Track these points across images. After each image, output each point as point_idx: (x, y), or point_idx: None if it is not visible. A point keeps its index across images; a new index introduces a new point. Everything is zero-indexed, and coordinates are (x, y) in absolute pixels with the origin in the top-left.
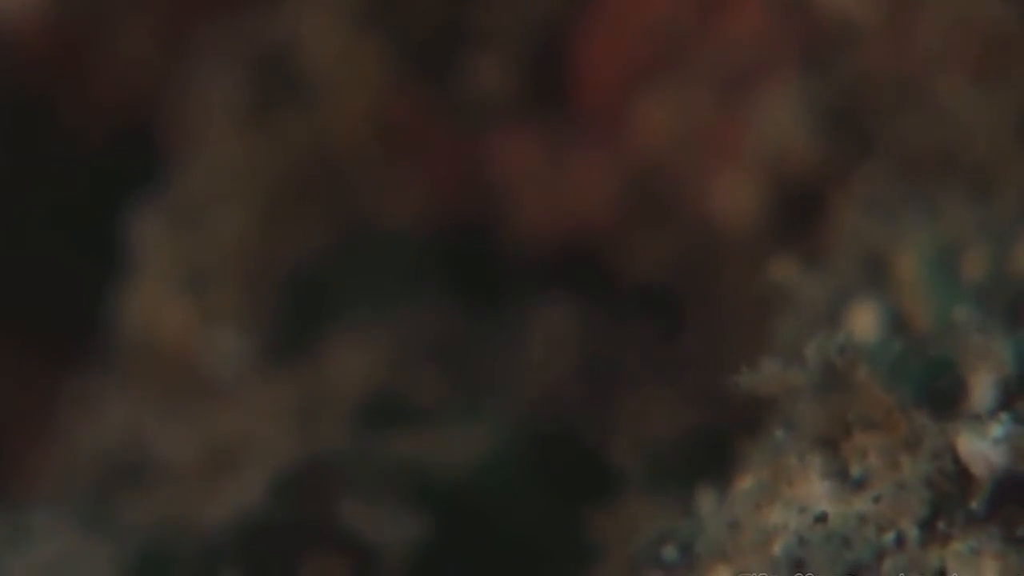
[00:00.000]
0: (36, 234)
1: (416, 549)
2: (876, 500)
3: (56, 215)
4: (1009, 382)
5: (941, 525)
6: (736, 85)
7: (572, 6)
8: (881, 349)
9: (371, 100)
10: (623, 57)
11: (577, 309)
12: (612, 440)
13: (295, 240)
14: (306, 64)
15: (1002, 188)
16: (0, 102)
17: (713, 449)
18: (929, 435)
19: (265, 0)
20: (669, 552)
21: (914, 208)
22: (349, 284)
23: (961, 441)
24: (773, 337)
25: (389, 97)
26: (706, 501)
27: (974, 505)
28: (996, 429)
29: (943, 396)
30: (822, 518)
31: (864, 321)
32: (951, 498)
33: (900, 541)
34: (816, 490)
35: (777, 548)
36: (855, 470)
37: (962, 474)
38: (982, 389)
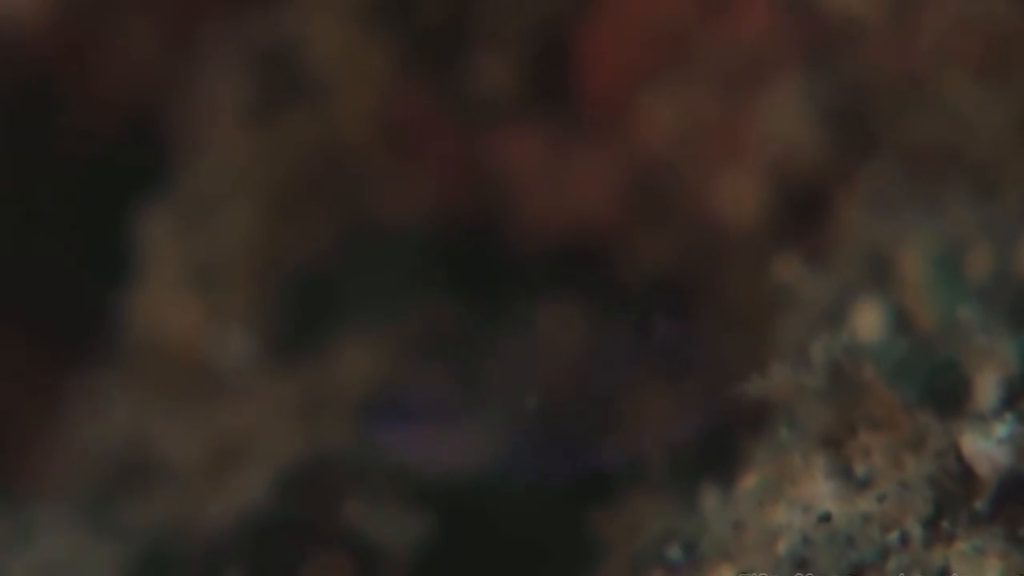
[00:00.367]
0: (41, 233)
1: (419, 549)
2: (880, 499)
3: (61, 214)
4: (1013, 382)
5: (945, 524)
6: (740, 83)
7: (576, 3)
8: (885, 349)
9: (376, 98)
10: (627, 54)
11: (580, 307)
12: (615, 439)
13: (301, 238)
14: (311, 62)
15: (1006, 186)
16: (4, 100)
17: (717, 448)
18: (933, 435)
19: None
20: (673, 551)
21: (918, 207)
22: (353, 282)
23: (965, 441)
24: (777, 336)
25: (394, 95)
26: (710, 500)
27: (978, 505)
28: (1000, 429)
29: (947, 396)
30: (826, 517)
31: (868, 320)
32: (955, 498)
33: (904, 540)
34: (820, 489)
35: (781, 547)
36: (859, 469)
37: (966, 474)
38: (986, 389)
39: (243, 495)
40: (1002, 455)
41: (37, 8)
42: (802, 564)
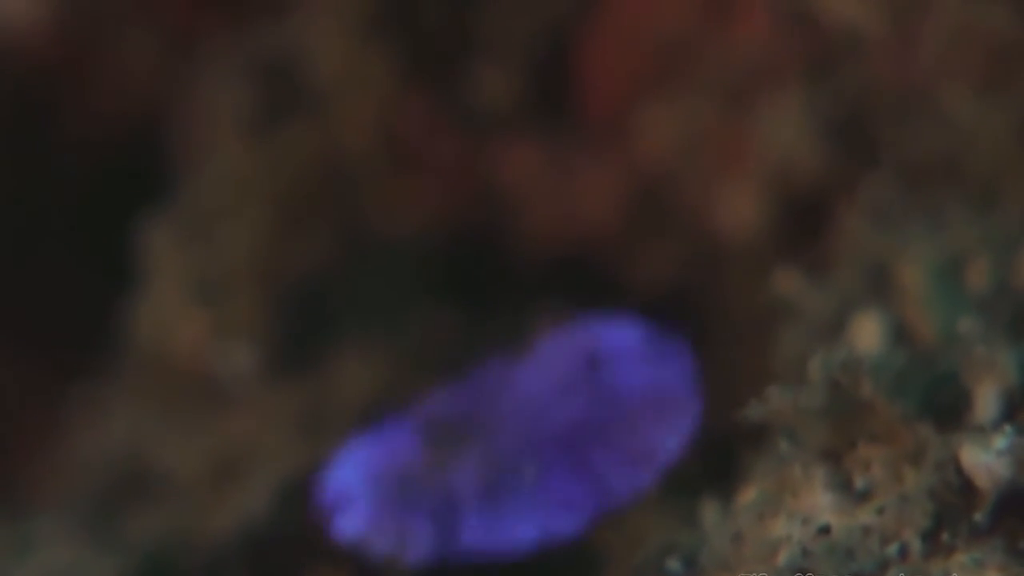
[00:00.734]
0: (44, 244)
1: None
2: (880, 512)
3: (64, 225)
4: (1013, 394)
5: (945, 537)
6: (741, 95)
7: (577, 16)
8: (884, 361)
9: (378, 109)
10: (628, 66)
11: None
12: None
13: (303, 250)
14: (313, 74)
15: (1006, 199)
16: (5, 112)
17: (718, 461)
18: (933, 447)
19: (272, 10)
20: (673, 564)
21: (918, 219)
22: (355, 293)
23: (965, 453)
24: (777, 347)
25: (396, 106)
26: (710, 513)
27: (978, 517)
28: (1000, 441)
29: (947, 408)
30: (826, 530)
31: (868, 333)
32: (955, 510)
33: (904, 553)
34: (820, 502)
35: (781, 559)
36: (859, 482)
37: (966, 486)
38: (986, 401)
39: (244, 506)
40: (1002, 467)
41: (38, 19)
42: None
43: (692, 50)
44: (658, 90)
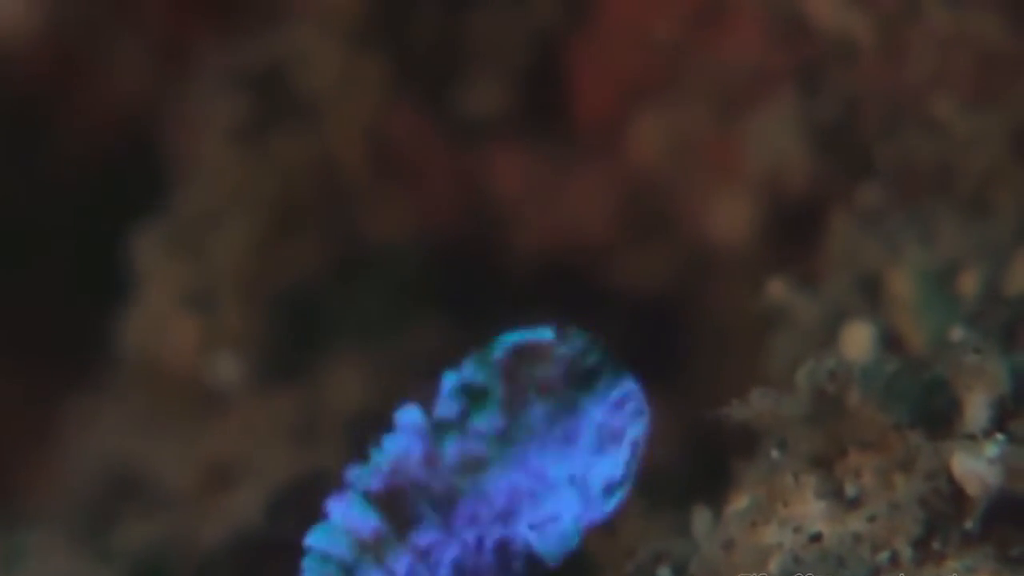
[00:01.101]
0: (36, 252)
1: None
2: (871, 519)
3: (55, 234)
4: (1004, 402)
5: (935, 544)
6: (732, 103)
7: (568, 24)
8: (874, 369)
9: (368, 118)
10: (619, 74)
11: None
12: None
13: (293, 259)
14: (304, 83)
15: (997, 207)
16: None
17: (708, 468)
18: (923, 455)
19: (263, 18)
20: (664, 572)
21: (909, 227)
22: (346, 302)
23: (955, 461)
24: (768, 356)
25: (386, 115)
26: (701, 521)
27: (968, 524)
28: (990, 449)
29: (937, 416)
30: (817, 537)
31: (858, 341)
32: (945, 517)
33: (894, 560)
34: (811, 509)
35: (772, 567)
36: (850, 489)
37: (956, 494)
38: (976, 409)
39: (235, 515)
40: (992, 475)
41: (30, 28)
42: None
43: (683, 58)
44: (649, 98)
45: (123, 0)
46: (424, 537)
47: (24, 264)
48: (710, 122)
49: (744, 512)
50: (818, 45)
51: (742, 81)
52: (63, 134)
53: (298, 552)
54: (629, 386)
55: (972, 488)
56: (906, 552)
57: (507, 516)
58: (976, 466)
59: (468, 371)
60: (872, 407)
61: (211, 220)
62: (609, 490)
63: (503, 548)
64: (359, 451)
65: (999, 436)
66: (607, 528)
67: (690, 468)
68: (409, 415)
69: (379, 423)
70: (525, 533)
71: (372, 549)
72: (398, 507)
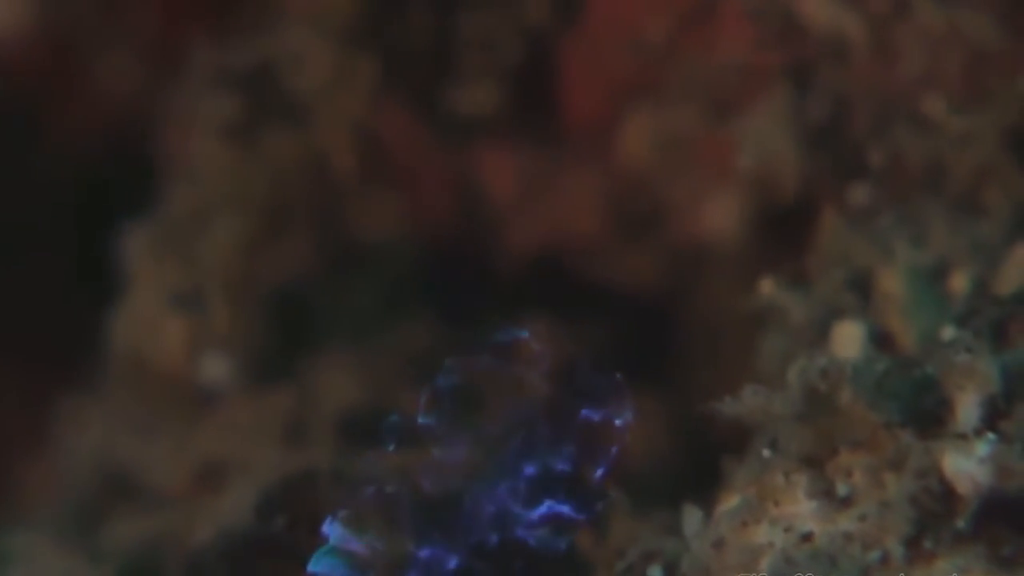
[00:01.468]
0: (25, 253)
1: None
2: (861, 518)
3: (45, 234)
4: (995, 401)
5: (926, 543)
6: (723, 102)
7: (558, 24)
8: (865, 368)
9: (359, 117)
10: (610, 74)
11: (562, 326)
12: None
13: (283, 258)
14: (294, 83)
15: (989, 206)
16: None
17: (699, 467)
18: (914, 454)
19: (254, 18)
20: (654, 571)
21: (900, 226)
22: (336, 302)
23: (946, 460)
24: (759, 355)
25: (377, 115)
26: (692, 520)
27: (960, 524)
28: (981, 448)
29: (928, 415)
30: (808, 536)
31: (848, 340)
32: (936, 516)
33: (885, 559)
34: (802, 509)
35: (763, 566)
36: (841, 489)
37: (947, 493)
38: (967, 408)
39: (225, 515)
40: (983, 474)
41: (21, 27)
42: None
43: (673, 58)
44: (640, 98)
45: None
46: (425, 549)
47: (13, 263)
48: (700, 121)
49: (735, 511)
50: (808, 44)
51: (732, 80)
52: (53, 133)
53: (288, 551)
54: (612, 381)
55: (963, 487)
56: (897, 551)
57: (502, 519)
58: (967, 465)
59: (450, 376)
60: (863, 406)
61: (201, 219)
62: (597, 485)
63: (502, 552)
64: (352, 456)
65: (990, 435)
66: (597, 527)
67: (680, 467)
68: (395, 425)
69: (371, 426)
70: (523, 534)
71: (375, 568)
72: (394, 522)
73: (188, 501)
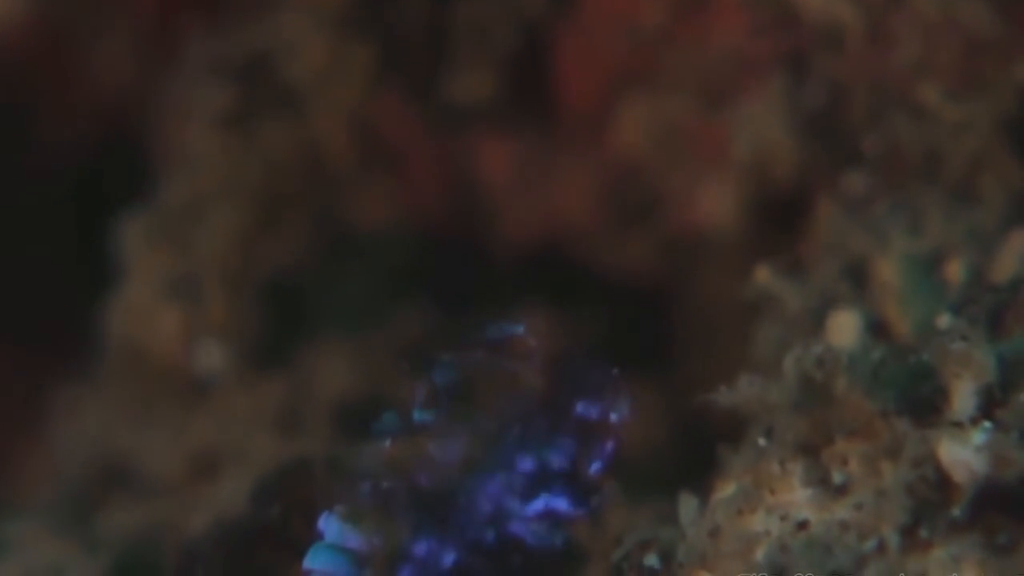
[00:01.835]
0: (21, 241)
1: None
2: (857, 507)
3: (41, 223)
4: (991, 389)
5: (922, 532)
6: (718, 90)
7: (554, 12)
8: (861, 356)
9: (354, 106)
10: (605, 61)
11: (558, 314)
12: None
13: (279, 247)
14: (289, 71)
15: (984, 194)
16: None
17: (694, 455)
18: (910, 442)
19: (249, 7)
20: (650, 559)
21: (896, 214)
22: (331, 290)
23: (943, 448)
24: (754, 343)
25: (372, 103)
26: (687, 508)
27: (955, 512)
28: (978, 436)
29: (924, 403)
30: (803, 525)
31: (844, 328)
32: (932, 505)
33: (881, 548)
34: (798, 497)
35: (758, 555)
36: (836, 477)
37: (943, 481)
38: (963, 396)
39: (221, 503)
40: (979, 463)
41: (16, 16)
42: (779, 572)
43: (669, 46)
44: (635, 85)
45: None
46: (421, 545)
47: (8, 253)
48: (696, 110)
49: (730, 499)
50: (804, 32)
51: (728, 68)
52: (48, 122)
53: (283, 540)
54: (606, 372)
55: (959, 476)
56: (893, 539)
57: (499, 515)
58: (963, 454)
59: (442, 372)
60: (859, 394)
61: (196, 208)
62: (594, 479)
63: (499, 547)
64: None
65: (986, 424)
66: (593, 517)
67: (676, 455)
68: (388, 420)
69: (367, 415)
70: (519, 530)
71: (372, 563)
72: (390, 518)
73: (184, 489)
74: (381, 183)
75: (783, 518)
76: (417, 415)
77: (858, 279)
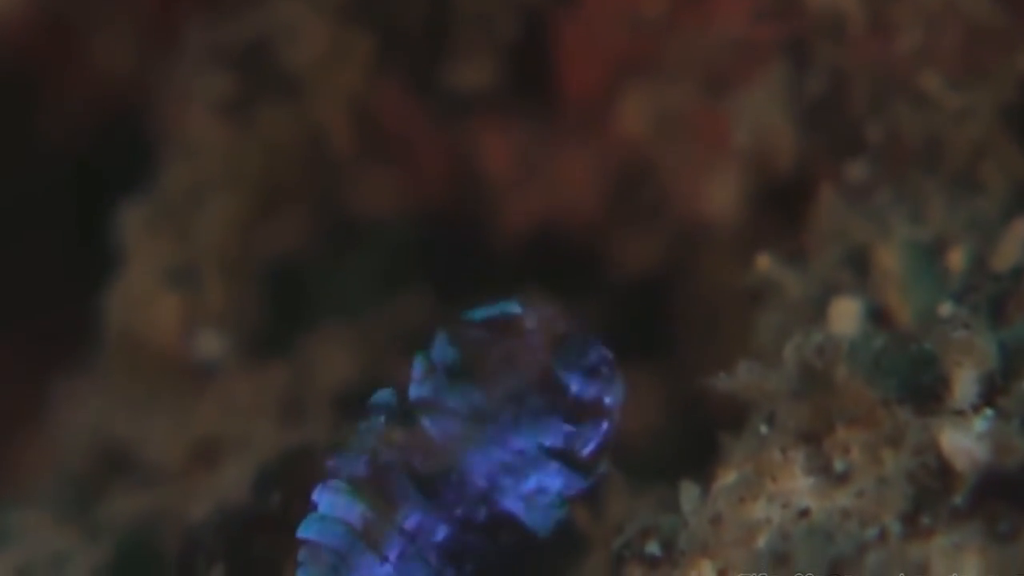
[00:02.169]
0: (22, 229)
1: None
2: (859, 495)
3: (42, 211)
4: (992, 377)
5: (924, 519)
6: (720, 79)
7: (556, 0)
8: (862, 344)
9: (355, 94)
10: (607, 51)
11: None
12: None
13: (279, 234)
14: (289, 58)
15: (986, 182)
16: None
17: (696, 443)
18: (912, 430)
19: None
20: (652, 547)
21: (898, 202)
22: (332, 277)
23: (944, 436)
24: (756, 331)
25: (374, 91)
26: (689, 496)
27: (957, 500)
28: (979, 424)
29: (926, 391)
30: (805, 512)
31: (845, 316)
32: (934, 493)
33: (883, 535)
34: (799, 485)
35: (760, 542)
36: (838, 465)
37: (945, 469)
38: (965, 384)
39: (222, 491)
40: (980, 450)
41: (16, 5)
42: (780, 559)
43: (670, 34)
44: (636, 73)
45: None
46: (412, 520)
47: (11, 240)
48: (698, 98)
49: (732, 487)
50: (806, 19)
51: (729, 56)
52: (49, 110)
53: (284, 527)
54: (602, 354)
55: (960, 463)
56: (894, 527)
57: (492, 492)
58: (964, 441)
59: (440, 349)
60: (860, 382)
61: (196, 196)
62: (590, 459)
63: (491, 524)
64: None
65: (987, 411)
66: (594, 503)
67: (678, 443)
68: (384, 397)
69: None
70: (512, 507)
71: (363, 535)
72: (384, 492)
73: (185, 477)
74: (382, 171)
75: (785, 506)
76: (413, 391)
77: (859, 267)
